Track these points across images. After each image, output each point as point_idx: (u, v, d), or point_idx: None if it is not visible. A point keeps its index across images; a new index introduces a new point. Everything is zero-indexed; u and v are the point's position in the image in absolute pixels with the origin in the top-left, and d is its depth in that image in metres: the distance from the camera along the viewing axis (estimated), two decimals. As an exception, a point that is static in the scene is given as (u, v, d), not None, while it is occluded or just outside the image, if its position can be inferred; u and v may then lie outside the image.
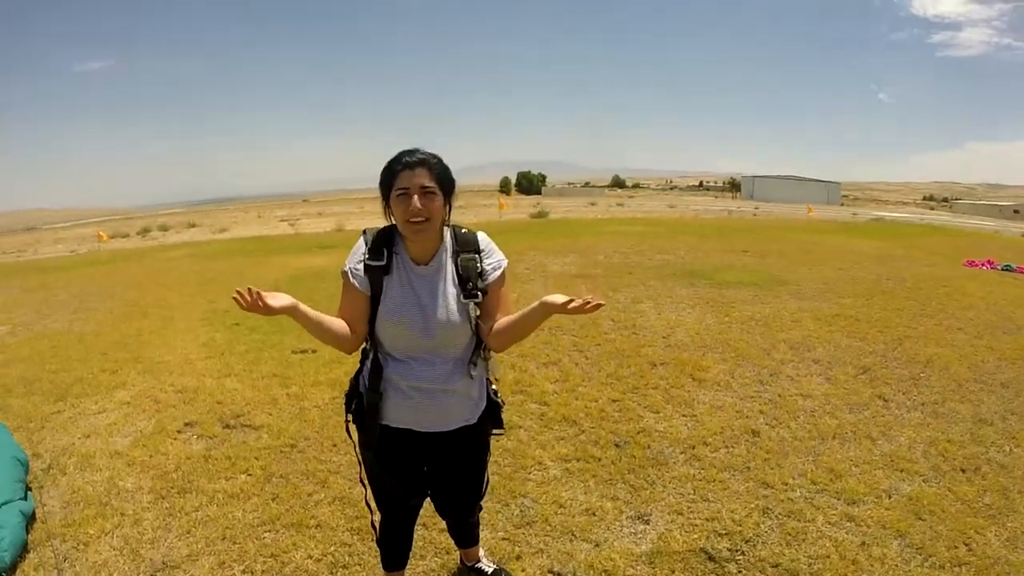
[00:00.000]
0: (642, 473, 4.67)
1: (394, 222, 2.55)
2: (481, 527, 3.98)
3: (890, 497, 4.20)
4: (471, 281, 2.60)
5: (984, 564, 3.52)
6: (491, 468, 4.75)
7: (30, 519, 4.31)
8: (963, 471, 4.54)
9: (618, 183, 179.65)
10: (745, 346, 7.48)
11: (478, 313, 2.62)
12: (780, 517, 4.03)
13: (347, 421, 2.85)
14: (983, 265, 14.38)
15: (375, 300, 2.58)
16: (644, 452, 4.98)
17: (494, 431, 3.03)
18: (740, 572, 3.55)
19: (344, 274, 2.61)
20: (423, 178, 2.42)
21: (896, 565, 3.52)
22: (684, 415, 5.65)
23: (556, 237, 20.80)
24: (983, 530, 3.83)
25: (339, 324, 2.58)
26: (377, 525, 3.13)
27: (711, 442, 5.11)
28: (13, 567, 3.82)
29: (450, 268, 2.61)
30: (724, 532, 3.90)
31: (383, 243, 2.58)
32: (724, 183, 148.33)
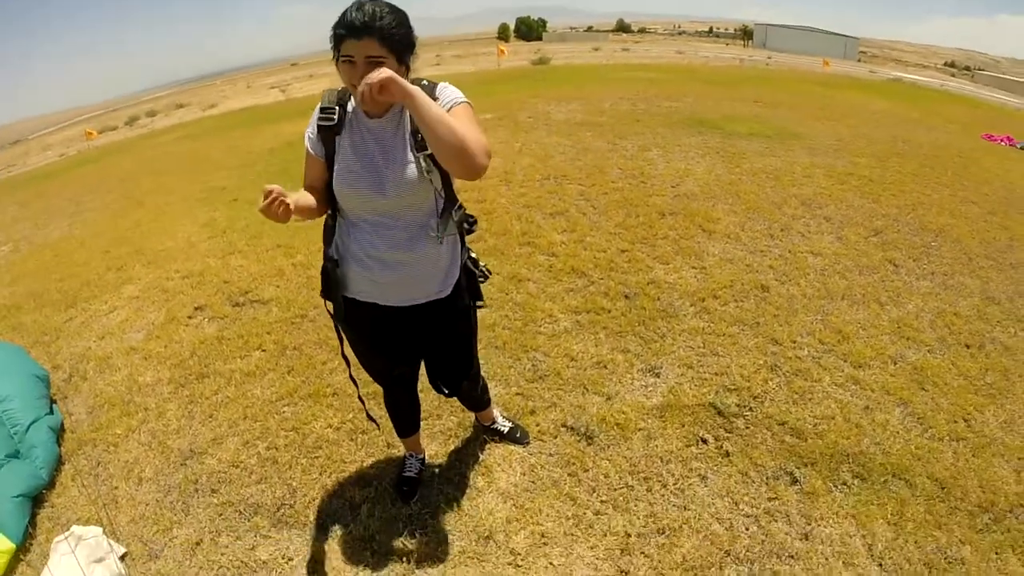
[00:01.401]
0: (652, 326, 4.72)
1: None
2: (494, 382, 4.06)
3: (895, 364, 4.25)
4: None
5: (981, 443, 3.59)
6: (501, 322, 4.80)
7: (60, 432, 4.37)
8: (967, 347, 4.57)
9: (623, 27, 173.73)
10: (755, 199, 7.39)
11: (428, 168, 2.36)
12: (788, 375, 4.10)
13: (322, 293, 2.69)
14: (1002, 140, 13.76)
15: (330, 162, 2.43)
16: (654, 304, 5.02)
17: (476, 304, 2.87)
18: (748, 428, 3.64)
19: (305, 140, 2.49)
20: (370, 47, 2.12)
21: (897, 432, 3.60)
22: (694, 267, 5.65)
23: (559, 84, 20.17)
24: (982, 408, 3.89)
25: (307, 198, 2.43)
26: (364, 399, 3.22)
27: (721, 295, 5.13)
28: (52, 481, 3.91)
29: (407, 122, 2.37)
30: (733, 387, 3.98)
31: (338, 100, 2.41)
32: (736, 30, 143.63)
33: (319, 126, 2.41)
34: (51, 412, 4.47)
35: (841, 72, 37.69)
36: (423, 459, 3.54)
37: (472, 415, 3.77)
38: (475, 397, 3.41)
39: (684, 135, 10.92)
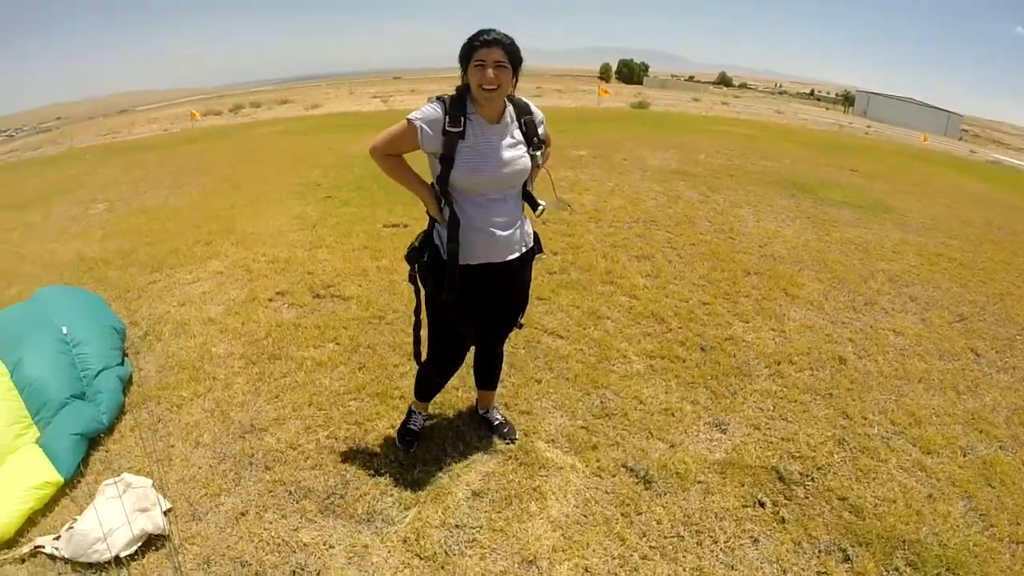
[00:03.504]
0: (725, 381, 4.72)
1: (469, 85, 2.98)
2: (561, 412, 4.13)
3: (964, 455, 4.14)
4: (535, 136, 3.21)
5: (1043, 551, 3.49)
6: (575, 355, 4.89)
7: (127, 383, 4.59)
8: (1042, 449, 4.42)
9: (724, 81, 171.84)
10: (842, 269, 7.30)
11: (540, 159, 3.30)
12: (854, 451, 4.04)
13: (413, 272, 3.34)
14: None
15: (446, 159, 3.02)
16: (729, 360, 5.01)
17: (537, 255, 3.58)
18: (807, 498, 3.60)
19: (410, 122, 3.04)
20: (498, 54, 2.89)
21: (957, 526, 3.50)
22: (773, 329, 5.62)
23: (656, 130, 20.24)
24: (1049, 514, 3.76)
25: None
26: (425, 366, 3.75)
27: (797, 361, 5.09)
28: (111, 428, 4.12)
29: (515, 125, 3.16)
30: (798, 455, 3.95)
31: (458, 111, 2.99)
32: (837, 95, 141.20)
33: (446, 130, 2.99)
34: (122, 364, 4.70)
35: (940, 148, 36.84)
36: (427, 418, 4.08)
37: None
38: (498, 359, 3.95)
39: (777, 196, 10.88)
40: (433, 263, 3.23)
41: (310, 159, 14.66)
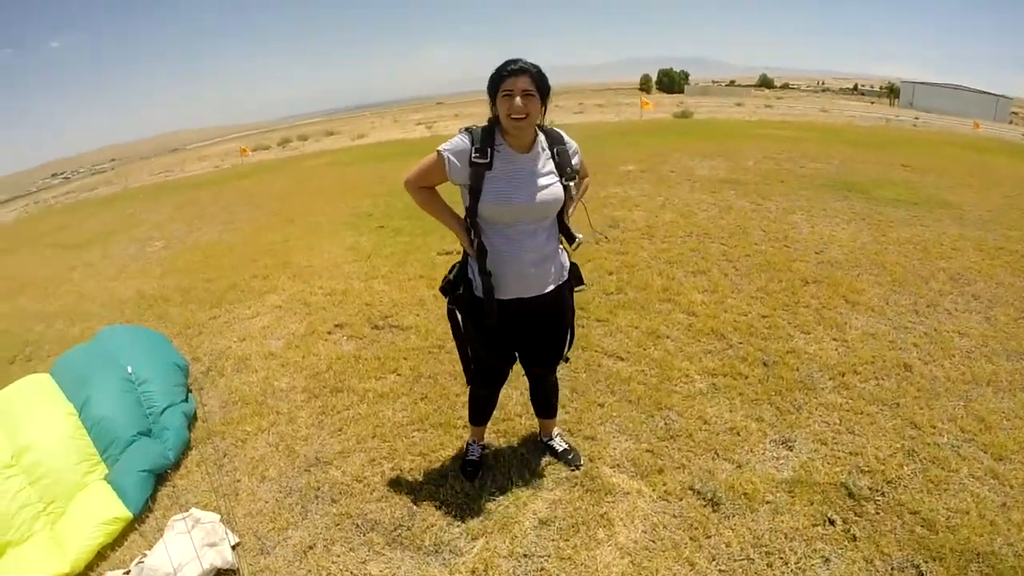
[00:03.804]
0: (789, 396, 4.68)
1: (498, 116, 3.00)
2: (625, 436, 4.14)
3: (1038, 460, 4.05)
4: (568, 167, 3.17)
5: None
6: (637, 376, 4.88)
7: (192, 419, 4.73)
8: (1117, 451, 4.30)
9: (765, 83, 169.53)
10: (902, 271, 7.19)
11: (573, 190, 3.24)
12: (924, 462, 3.97)
13: (451, 307, 3.36)
14: None
15: (474, 191, 3.05)
16: (792, 374, 4.97)
17: (577, 288, 3.55)
18: (878, 513, 3.55)
19: (439, 153, 3.11)
20: (525, 83, 2.89)
21: (1032, 536, 3.42)
22: (835, 339, 5.55)
23: (701, 139, 20.11)
24: None
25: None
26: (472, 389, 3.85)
27: (861, 371, 5.02)
28: (177, 464, 4.24)
29: (547, 155, 3.15)
30: (867, 469, 3.89)
31: (486, 143, 3.02)
32: (881, 88, 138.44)
33: (474, 161, 3.02)
34: (186, 400, 4.84)
35: (992, 135, 35.67)
36: (484, 446, 4.12)
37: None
38: (551, 389, 3.93)
39: (829, 199, 10.76)
40: (467, 296, 3.28)
41: (359, 189, 14.86)
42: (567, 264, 3.43)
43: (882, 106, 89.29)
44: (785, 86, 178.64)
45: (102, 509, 3.67)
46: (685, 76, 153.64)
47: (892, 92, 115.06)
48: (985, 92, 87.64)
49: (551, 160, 3.15)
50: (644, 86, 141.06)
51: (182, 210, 16.19)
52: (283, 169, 25.69)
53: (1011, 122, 69.89)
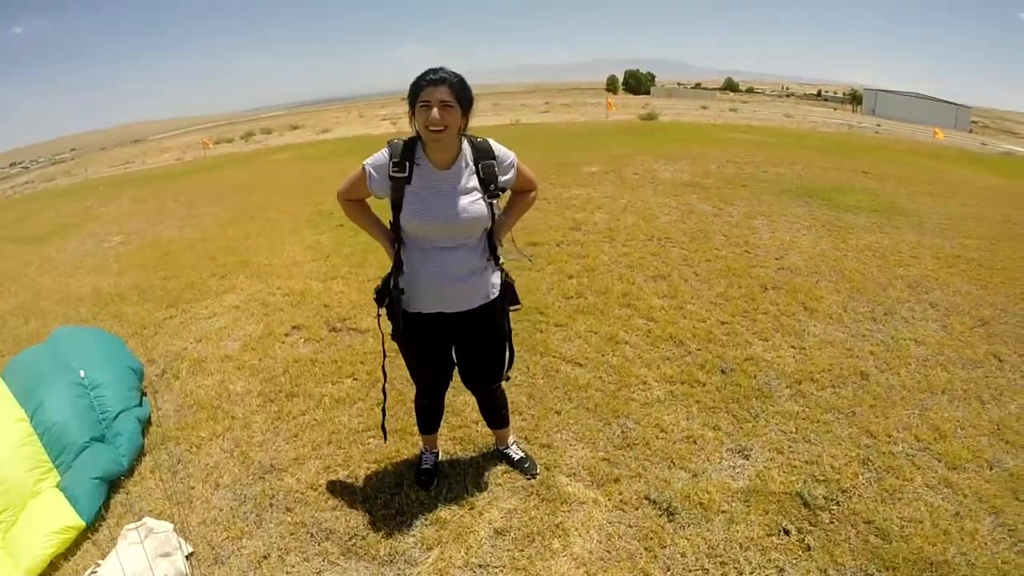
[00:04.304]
0: (746, 404, 4.68)
1: (417, 129, 2.92)
2: (582, 444, 4.13)
3: (991, 469, 4.06)
4: (492, 183, 3.08)
5: (1074, 565, 3.43)
6: (595, 383, 4.87)
7: (146, 424, 4.66)
8: (1070, 457, 4.34)
9: (731, 86, 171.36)
10: (860, 278, 7.23)
11: (498, 208, 3.22)
12: (879, 471, 3.99)
13: (378, 316, 3.36)
14: None
15: (395, 204, 3.03)
16: (750, 382, 4.97)
17: (511, 307, 3.46)
18: (832, 523, 3.56)
19: (363, 168, 3.09)
20: (443, 94, 2.80)
21: (985, 543, 3.44)
22: (793, 346, 5.57)
23: (666, 142, 20.14)
24: (1081, 528, 3.70)
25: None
26: (386, 411, 3.86)
27: (818, 379, 5.04)
28: (131, 470, 4.18)
29: (471, 171, 3.05)
30: (822, 478, 3.90)
31: (406, 156, 2.97)
32: (844, 94, 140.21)
33: (392, 176, 2.99)
34: (140, 404, 4.77)
35: (951, 144, 36.35)
36: (437, 454, 4.08)
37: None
38: (498, 403, 3.86)
39: (791, 204, 10.82)
40: (391, 306, 3.25)
41: (321, 185, 14.79)
42: (498, 282, 3.35)
43: (845, 112, 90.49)
44: (750, 90, 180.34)
45: (54, 518, 3.59)
46: (651, 77, 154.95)
47: (855, 99, 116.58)
48: (945, 101, 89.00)
49: (475, 176, 3.07)
50: (611, 87, 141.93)
51: (142, 204, 16.05)
52: (246, 163, 25.52)
53: (971, 131, 70.94)
